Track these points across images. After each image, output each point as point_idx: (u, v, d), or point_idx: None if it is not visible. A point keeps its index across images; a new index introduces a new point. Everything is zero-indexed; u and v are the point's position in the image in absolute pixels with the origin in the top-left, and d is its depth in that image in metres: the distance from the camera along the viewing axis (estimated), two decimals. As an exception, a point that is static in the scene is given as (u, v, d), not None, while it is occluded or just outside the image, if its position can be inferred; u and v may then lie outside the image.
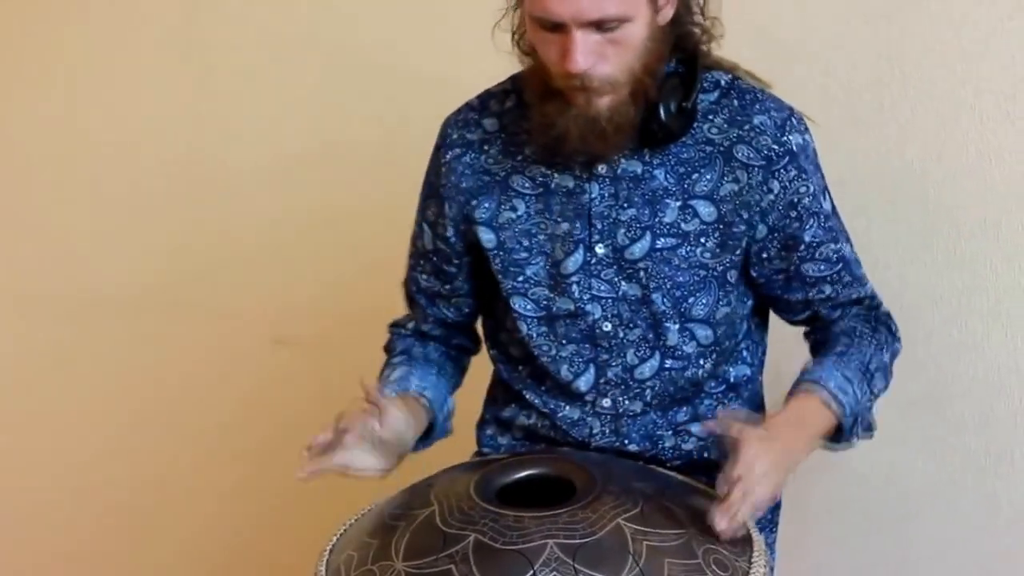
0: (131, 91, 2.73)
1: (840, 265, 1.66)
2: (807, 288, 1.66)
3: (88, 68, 2.76)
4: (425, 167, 1.76)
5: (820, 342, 1.71)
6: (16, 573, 3.04)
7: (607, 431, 1.69)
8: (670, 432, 1.69)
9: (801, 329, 1.78)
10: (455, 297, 1.77)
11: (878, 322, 1.70)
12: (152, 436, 2.85)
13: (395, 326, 1.83)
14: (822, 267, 1.65)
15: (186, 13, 2.67)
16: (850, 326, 1.68)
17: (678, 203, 1.60)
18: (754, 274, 1.66)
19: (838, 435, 1.59)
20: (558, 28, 1.48)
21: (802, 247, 1.63)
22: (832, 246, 1.64)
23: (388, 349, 1.81)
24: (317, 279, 2.62)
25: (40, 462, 2.97)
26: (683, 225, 1.61)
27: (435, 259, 1.74)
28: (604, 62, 1.49)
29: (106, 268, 2.83)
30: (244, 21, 2.62)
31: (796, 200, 1.61)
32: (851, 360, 1.62)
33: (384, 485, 1.56)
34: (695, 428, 1.69)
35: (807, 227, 1.62)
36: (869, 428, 1.65)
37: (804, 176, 1.61)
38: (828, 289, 1.67)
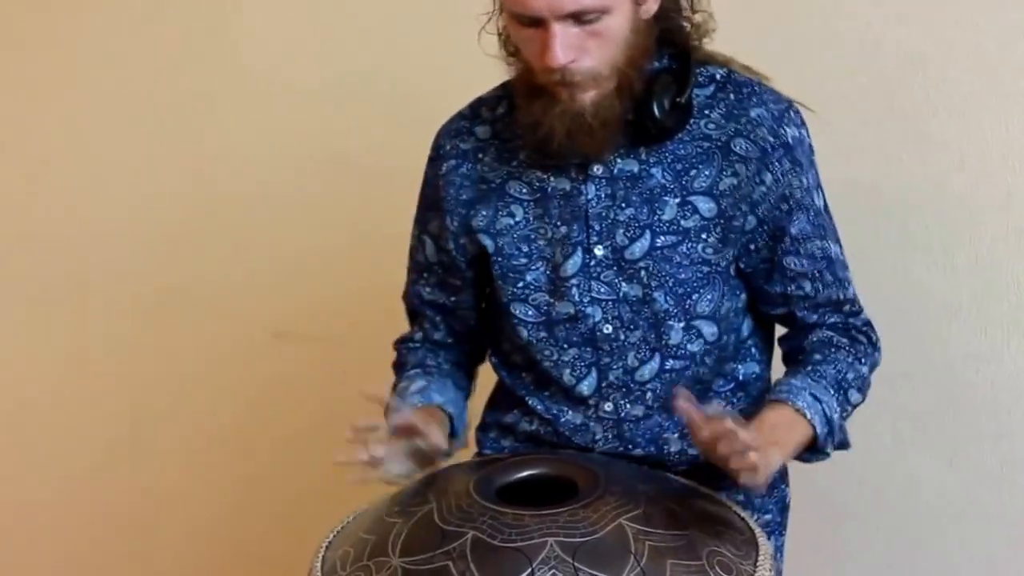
0: (135, 90, 2.73)
1: (824, 263, 1.62)
2: (786, 282, 1.63)
3: (94, 66, 2.77)
4: (422, 167, 1.74)
5: (794, 352, 1.68)
6: (13, 572, 3.04)
7: (610, 436, 1.66)
8: (676, 435, 1.66)
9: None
10: (460, 310, 1.75)
11: (857, 331, 1.66)
12: (150, 430, 2.86)
13: (402, 342, 1.81)
14: (805, 263, 1.62)
15: (194, 22, 2.68)
16: (826, 336, 1.64)
17: (676, 200, 1.58)
18: (741, 264, 1.64)
19: (812, 448, 1.57)
20: (537, 23, 1.46)
21: (787, 239, 1.61)
22: (818, 243, 1.62)
23: (399, 364, 1.79)
24: (317, 274, 2.62)
25: (39, 457, 2.97)
26: (683, 222, 1.59)
27: (439, 271, 1.73)
28: (585, 56, 1.47)
29: (106, 263, 2.84)
30: (254, 24, 2.63)
31: (788, 193, 1.59)
32: (824, 374, 1.59)
33: (384, 484, 1.54)
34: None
35: (795, 220, 1.60)
36: (844, 444, 1.62)
37: (798, 170, 1.59)
38: (808, 286, 1.63)
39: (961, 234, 2.06)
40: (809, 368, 1.60)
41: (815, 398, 1.55)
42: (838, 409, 1.57)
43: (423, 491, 1.45)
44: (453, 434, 1.65)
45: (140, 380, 2.85)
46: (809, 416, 1.53)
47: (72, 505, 2.96)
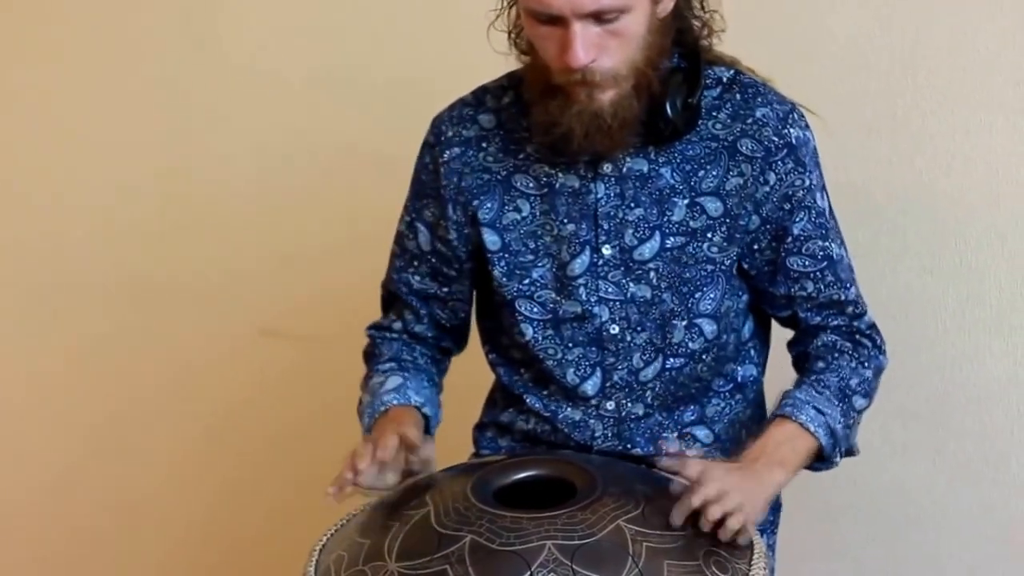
0: (121, 80, 2.71)
1: (825, 263, 1.62)
2: (790, 283, 1.63)
3: (81, 60, 2.74)
4: (414, 161, 1.72)
5: (800, 358, 1.68)
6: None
7: (610, 435, 1.66)
8: (675, 435, 1.67)
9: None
10: (451, 300, 1.72)
11: (860, 335, 1.65)
12: (138, 427, 2.83)
13: (377, 328, 1.76)
14: (807, 262, 1.62)
15: (182, 15, 2.66)
16: (830, 340, 1.64)
17: (686, 201, 1.58)
18: (745, 265, 1.64)
19: (819, 458, 1.56)
20: (556, 22, 1.44)
21: (789, 239, 1.61)
22: (820, 243, 1.61)
23: (372, 354, 1.74)
24: (305, 271, 2.60)
25: (23, 454, 2.93)
26: (691, 223, 1.59)
27: (433, 260, 1.69)
28: (605, 55, 1.46)
29: (94, 257, 2.81)
30: (241, 18, 2.61)
31: (791, 193, 1.59)
32: (828, 383, 1.59)
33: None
34: (701, 433, 1.68)
35: (797, 219, 1.60)
36: (851, 452, 1.62)
37: (801, 170, 1.59)
38: (810, 287, 1.63)
39: (948, 238, 2.08)
40: (813, 378, 1.60)
41: (818, 411, 1.54)
42: (842, 419, 1.57)
43: (419, 494, 1.43)
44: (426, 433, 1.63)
45: (125, 377, 2.81)
46: (813, 430, 1.53)
47: (53, 504, 2.92)
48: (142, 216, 2.75)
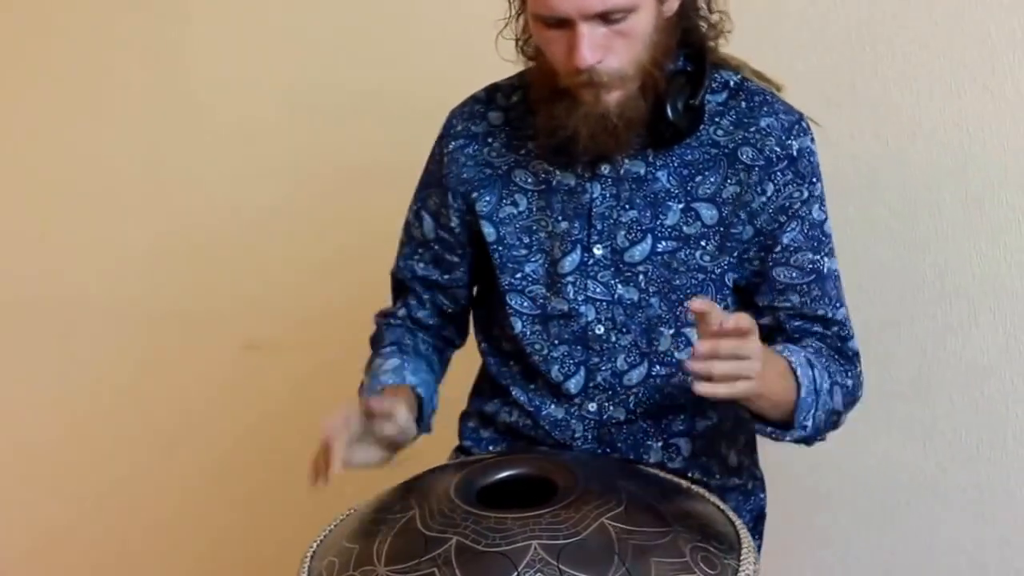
0: (106, 97, 2.73)
1: (813, 276, 1.60)
2: (774, 294, 1.61)
3: (65, 74, 2.76)
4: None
5: None
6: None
7: (590, 437, 1.65)
8: (659, 444, 1.65)
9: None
10: (453, 288, 1.75)
11: (844, 355, 1.62)
12: (122, 441, 2.83)
13: (383, 316, 1.81)
14: (793, 274, 1.60)
15: (171, 22, 2.67)
16: (815, 345, 1.60)
17: (680, 206, 1.59)
18: (735, 276, 1.63)
19: (789, 422, 1.50)
20: (563, 24, 1.47)
21: (778, 248, 1.59)
22: (809, 255, 1.59)
23: (376, 339, 1.79)
24: (288, 284, 2.62)
25: (7, 467, 2.93)
26: (684, 228, 1.59)
27: (436, 248, 1.73)
28: (612, 55, 1.48)
29: (76, 272, 2.82)
30: (227, 25, 2.62)
31: (787, 204, 1.59)
32: (818, 358, 1.55)
33: (366, 487, 1.54)
34: (683, 444, 1.66)
35: (787, 229, 1.59)
36: (817, 432, 1.55)
37: (800, 181, 1.58)
38: (795, 299, 1.61)
39: (920, 206, 2.05)
40: (802, 349, 1.55)
41: (809, 362, 1.51)
42: (828, 380, 1.53)
43: (404, 496, 1.44)
44: (420, 418, 1.64)
45: (111, 390, 2.83)
46: (799, 374, 1.48)
47: (38, 516, 2.92)
48: (126, 235, 2.76)
